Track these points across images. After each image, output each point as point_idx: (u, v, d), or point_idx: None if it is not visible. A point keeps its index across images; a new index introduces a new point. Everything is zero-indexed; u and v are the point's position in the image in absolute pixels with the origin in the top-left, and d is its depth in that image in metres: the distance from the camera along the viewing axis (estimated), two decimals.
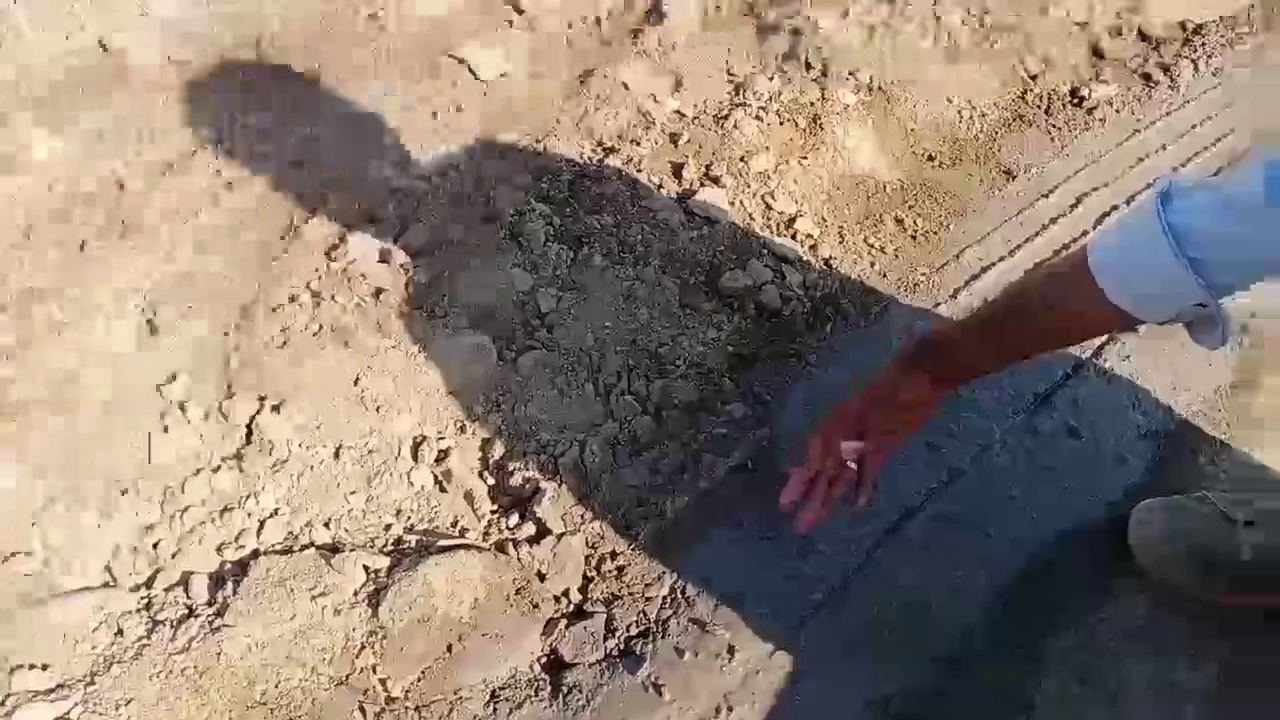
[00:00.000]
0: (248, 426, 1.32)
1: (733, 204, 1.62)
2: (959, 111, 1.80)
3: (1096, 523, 1.31)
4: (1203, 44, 1.96)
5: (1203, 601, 1.21)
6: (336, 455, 1.31)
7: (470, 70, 1.75)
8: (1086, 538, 1.30)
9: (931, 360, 1.13)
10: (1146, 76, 1.89)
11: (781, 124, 1.74)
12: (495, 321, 1.43)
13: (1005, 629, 1.21)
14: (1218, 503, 1.23)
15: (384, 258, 1.46)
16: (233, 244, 1.48)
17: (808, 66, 1.80)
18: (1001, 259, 1.60)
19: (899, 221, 1.64)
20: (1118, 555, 1.26)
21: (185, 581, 1.22)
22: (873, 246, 1.60)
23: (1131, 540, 1.25)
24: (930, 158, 1.75)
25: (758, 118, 1.73)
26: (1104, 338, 1.47)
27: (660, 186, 1.63)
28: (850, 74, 1.79)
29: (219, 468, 1.30)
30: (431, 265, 1.46)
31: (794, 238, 1.60)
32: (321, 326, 1.39)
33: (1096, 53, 1.93)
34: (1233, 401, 1.42)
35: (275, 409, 1.33)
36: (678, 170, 1.66)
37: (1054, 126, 1.80)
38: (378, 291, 1.42)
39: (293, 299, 1.42)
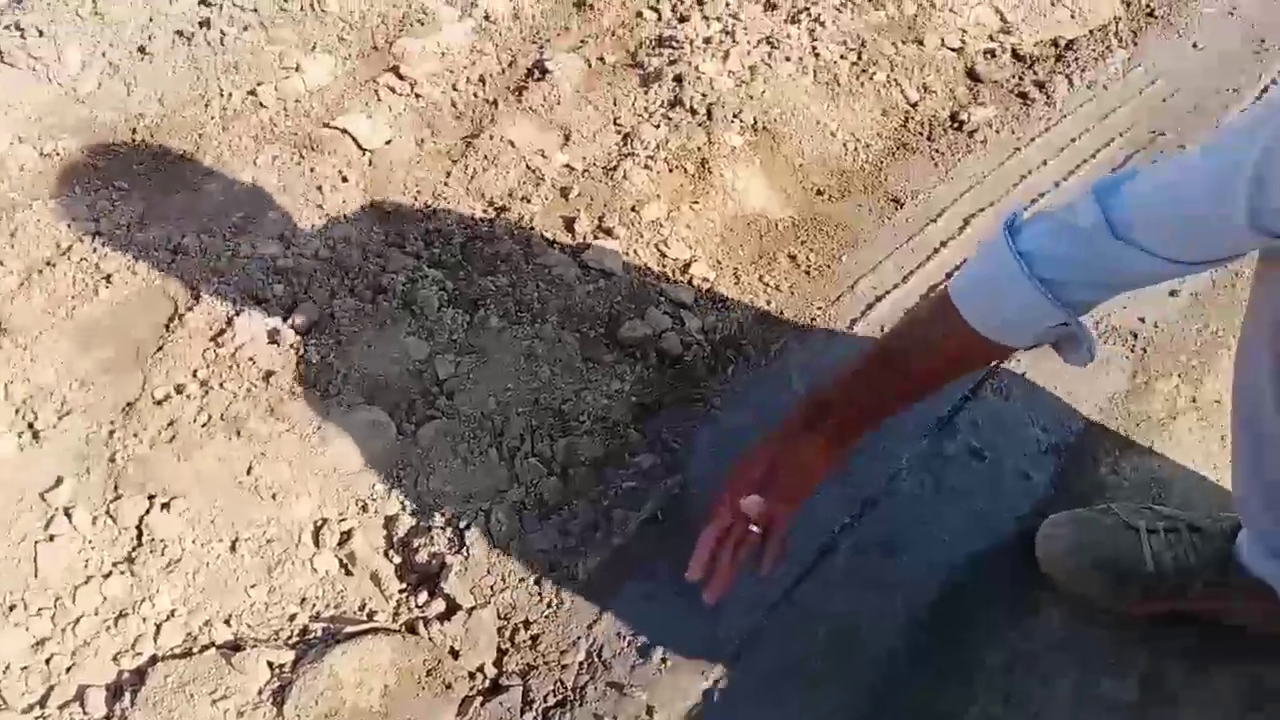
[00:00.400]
0: (138, 527, 1.27)
1: (627, 254, 1.62)
2: (844, 144, 1.83)
3: (1009, 540, 1.32)
4: (1075, 59, 2.02)
5: (1115, 612, 1.22)
6: (233, 548, 1.27)
7: (354, 140, 1.74)
8: (1000, 556, 1.31)
9: (821, 421, 1.13)
10: (1023, 95, 1.95)
11: (670, 171, 1.75)
12: (392, 394, 1.40)
13: (928, 653, 1.21)
14: (1120, 513, 1.24)
15: (273, 339, 1.43)
16: (114, 338, 1.44)
17: (693, 112, 1.82)
18: (895, 286, 1.62)
19: (792, 258, 1.66)
20: (1032, 571, 1.27)
21: (81, 696, 1.16)
22: (768, 285, 1.61)
23: (1039, 556, 1.25)
24: (819, 192, 1.77)
25: (646, 166, 1.74)
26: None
27: (554, 242, 1.62)
28: (735, 116, 1.81)
29: (110, 573, 1.25)
30: (323, 343, 1.43)
31: (690, 283, 1.60)
32: (210, 416, 1.35)
33: (973, 76, 1.98)
34: (1127, 408, 1.45)
35: (165, 506, 1.28)
36: (570, 224, 1.65)
37: (937, 152, 1.84)
38: (267, 375, 1.39)
39: (179, 390, 1.38)
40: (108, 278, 1.50)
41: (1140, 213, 0.90)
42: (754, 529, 1.13)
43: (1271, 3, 2.19)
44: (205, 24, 1.91)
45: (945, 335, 1.02)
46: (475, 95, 1.89)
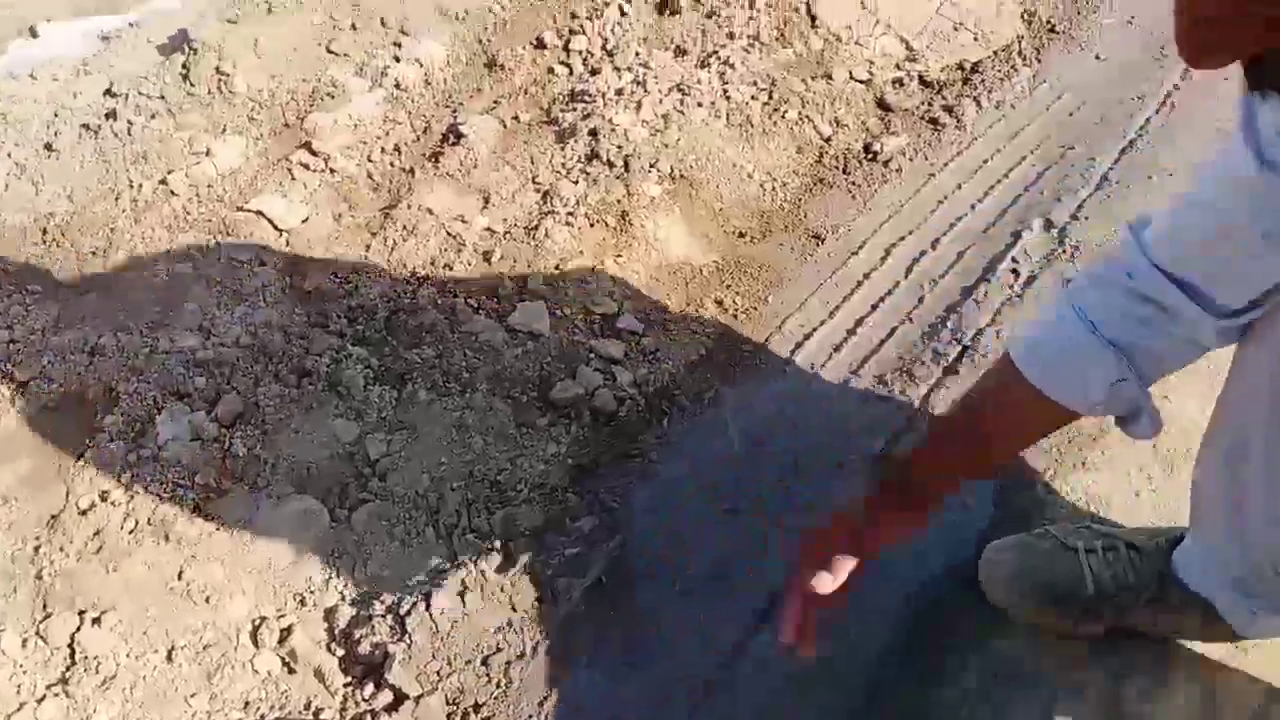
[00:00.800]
0: (70, 645, 1.24)
1: (554, 313, 1.61)
2: (761, 185, 1.85)
3: (953, 570, 1.32)
4: (981, 81, 2.06)
5: (1061, 634, 1.23)
6: (170, 658, 1.23)
7: (269, 221, 1.72)
8: (946, 587, 1.31)
9: (902, 498, 1.09)
10: (933, 121, 1.98)
11: (592, 226, 1.75)
12: (323, 480, 1.38)
13: (881, 690, 1.20)
14: (1058, 534, 1.25)
15: (197, 435, 1.40)
16: (33, 450, 1.40)
17: (610, 165, 1.83)
18: (822, 322, 1.63)
19: (719, 303, 1.66)
20: (979, 600, 1.27)
21: None
22: (697, 333, 1.62)
23: (982, 584, 1.26)
24: (741, 234, 1.79)
25: (567, 223, 1.74)
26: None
27: (479, 308, 1.62)
28: (652, 166, 1.82)
29: (44, 697, 1.21)
30: (248, 434, 1.41)
31: (619, 337, 1.60)
32: (137, 522, 1.32)
33: (883, 106, 2.01)
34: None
35: (96, 621, 1.24)
36: (494, 288, 1.64)
37: (853, 184, 1.86)
38: (193, 474, 1.36)
39: (104, 497, 1.34)
40: (23, 387, 1.46)
41: (1171, 235, 0.89)
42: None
43: (1166, 10, 2.25)
44: (111, 115, 1.89)
45: (1012, 399, 0.99)
46: (391, 165, 1.88)
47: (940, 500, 1.11)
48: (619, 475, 1.43)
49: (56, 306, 1.58)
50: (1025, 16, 2.21)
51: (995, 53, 2.14)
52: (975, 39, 2.15)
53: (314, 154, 1.84)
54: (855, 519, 1.09)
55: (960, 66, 2.11)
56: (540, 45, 2.12)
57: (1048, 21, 2.20)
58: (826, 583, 1.05)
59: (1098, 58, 2.13)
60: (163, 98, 1.93)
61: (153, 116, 1.90)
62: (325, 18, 2.12)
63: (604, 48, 2.11)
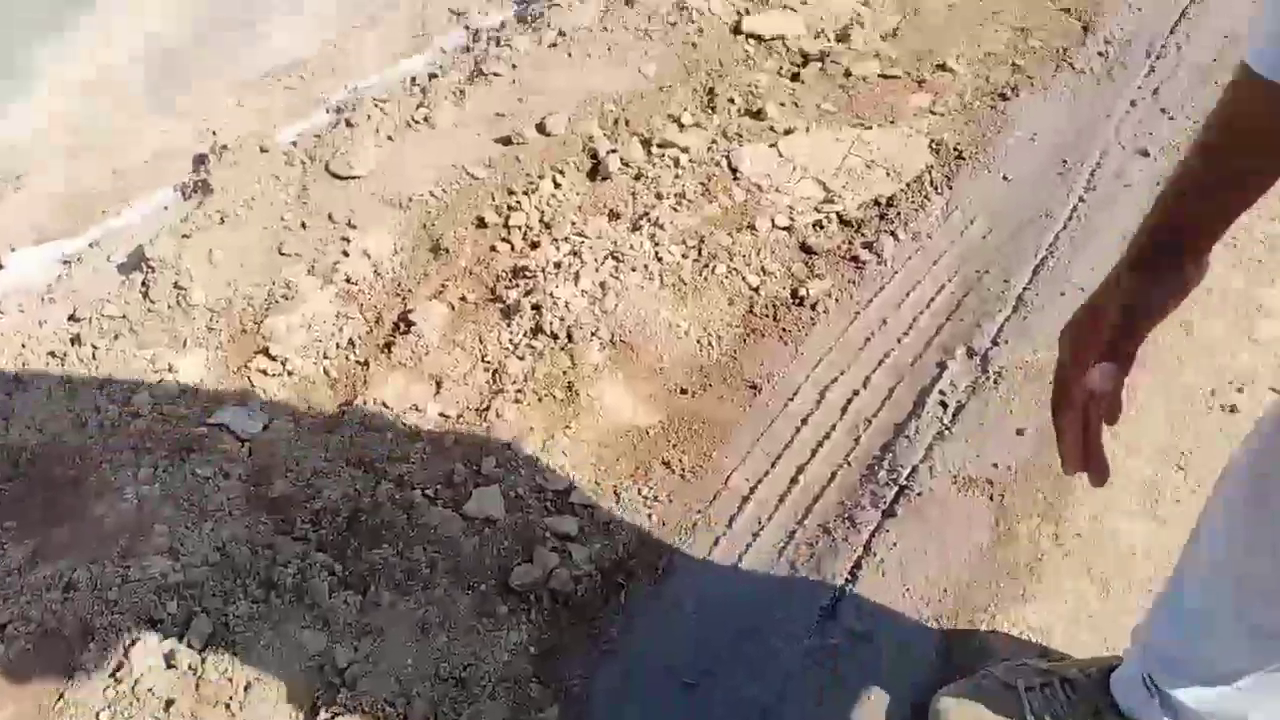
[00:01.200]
0: None
1: (507, 495, 1.68)
2: (697, 341, 1.94)
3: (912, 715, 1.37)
4: (897, 214, 2.18)
5: None
6: None
7: (231, 433, 1.80)
8: None
9: (1159, 248, 0.94)
10: (855, 259, 2.09)
11: (540, 400, 1.83)
12: (295, 693, 1.43)
13: None
14: (1000, 674, 1.31)
15: (170, 662, 1.45)
16: (13, 695, 1.45)
17: (554, 337, 1.92)
18: (766, 473, 1.70)
19: (666, 464, 1.74)
20: None
21: None
22: (647, 498, 1.69)
23: None
24: (683, 390, 1.87)
25: (516, 400, 1.82)
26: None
27: (435, 498, 1.68)
28: (593, 334, 1.92)
29: None
30: (220, 657, 1.46)
31: (573, 512, 1.67)
32: None
33: (806, 250, 2.12)
34: (995, 557, 1.53)
35: None
36: (449, 476, 1.72)
37: (784, 330, 1.96)
38: (169, 703, 1.41)
39: None
40: (2, 629, 1.52)
41: None
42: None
43: (1066, 124, 2.40)
44: (76, 340, 1.98)
45: (1248, 108, 0.86)
46: (347, 359, 1.97)
47: (1200, 259, 0.95)
48: (581, 657, 1.48)
49: (32, 542, 1.64)
50: (933, 145, 2.35)
51: (908, 184, 2.26)
52: (888, 174, 2.28)
53: (271, 358, 1.93)
54: (1112, 308, 0.94)
55: (876, 202, 2.23)
56: (481, 224, 2.24)
57: (954, 148, 2.34)
58: (1109, 376, 0.91)
59: (1005, 178, 2.26)
60: (124, 317, 2.03)
61: (116, 337, 2.00)
62: (275, 219, 2.24)
63: (542, 220, 2.23)
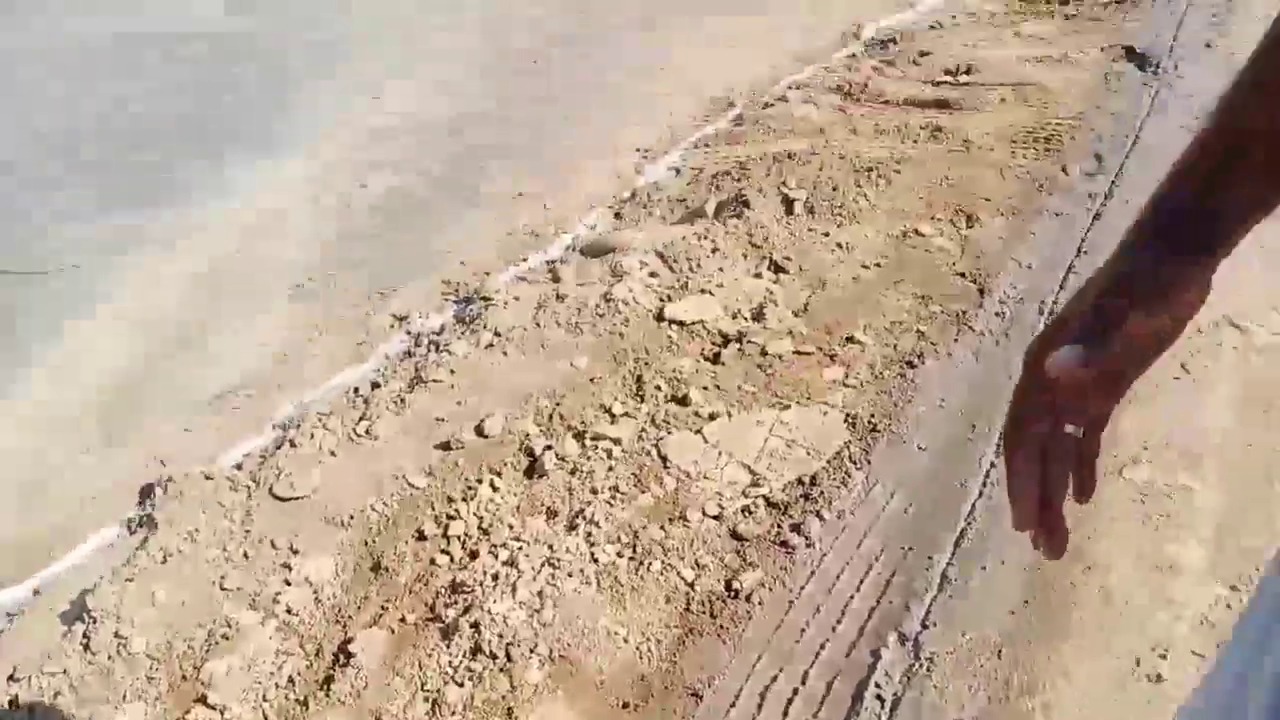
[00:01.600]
0: None
1: None
2: (636, 647, 1.97)
3: None
4: (820, 494, 2.27)
5: None
6: None
7: None
8: None
9: (1167, 230, 0.75)
10: (784, 544, 2.15)
11: None
12: None
13: None
14: None
15: None
16: None
17: (493, 657, 1.94)
18: None
19: None
20: None
21: None
22: None
23: None
24: (624, 704, 1.87)
25: None
26: None
27: None
28: (531, 651, 1.94)
29: None
30: None
31: None
32: None
33: (737, 537, 2.19)
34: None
35: None
36: None
37: (721, 628, 1.99)
38: None
39: None
40: None
41: None
42: (1069, 428, 0.78)
43: (970, 388, 2.54)
44: (14, 703, 1.96)
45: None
46: (286, 698, 1.96)
47: (1210, 261, 0.74)
48: None
49: None
50: (848, 420, 2.48)
51: (828, 461, 2.36)
52: (808, 452, 2.39)
53: (210, 708, 1.92)
54: (1091, 292, 0.75)
55: (800, 481, 2.32)
56: (421, 537, 2.29)
57: (869, 421, 2.46)
58: (1076, 359, 0.71)
59: (919, 448, 2.37)
60: (65, 672, 2.03)
61: (56, 695, 1.98)
62: (218, 552, 2.28)
63: (480, 527, 2.29)
